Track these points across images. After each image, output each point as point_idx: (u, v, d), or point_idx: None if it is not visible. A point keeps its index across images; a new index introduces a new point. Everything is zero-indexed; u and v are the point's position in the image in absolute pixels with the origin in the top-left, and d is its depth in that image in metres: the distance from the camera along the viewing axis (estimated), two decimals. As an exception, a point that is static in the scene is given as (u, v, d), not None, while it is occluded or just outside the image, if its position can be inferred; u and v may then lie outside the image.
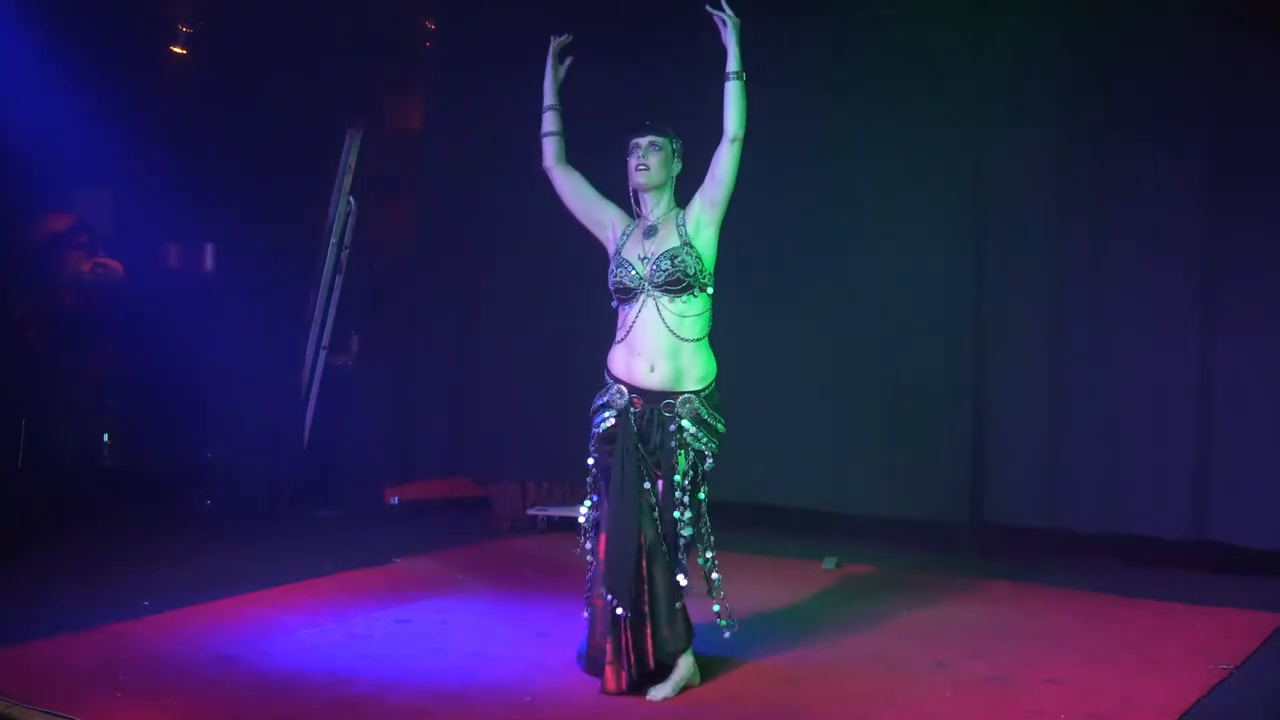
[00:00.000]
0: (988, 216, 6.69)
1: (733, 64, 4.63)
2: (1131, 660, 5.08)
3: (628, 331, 4.70)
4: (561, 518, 7.58)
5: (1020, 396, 6.62)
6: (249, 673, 4.86)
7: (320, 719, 4.44)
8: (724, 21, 4.65)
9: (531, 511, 7.67)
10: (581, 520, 4.86)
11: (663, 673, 4.68)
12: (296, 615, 5.64)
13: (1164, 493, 6.29)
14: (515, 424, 7.61)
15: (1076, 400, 6.50)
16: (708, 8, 4.66)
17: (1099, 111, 6.41)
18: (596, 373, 4.82)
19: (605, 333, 4.85)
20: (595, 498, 4.80)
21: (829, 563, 6.64)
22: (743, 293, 6.61)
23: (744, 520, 6.80)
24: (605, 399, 4.74)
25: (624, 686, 4.62)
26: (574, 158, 4.87)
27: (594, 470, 4.80)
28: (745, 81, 4.62)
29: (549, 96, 4.84)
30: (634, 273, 4.67)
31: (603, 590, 4.64)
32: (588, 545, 4.81)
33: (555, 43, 4.86)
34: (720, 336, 4.81)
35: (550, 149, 4.83)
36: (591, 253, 4.99)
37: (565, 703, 4.59)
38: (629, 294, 4.69)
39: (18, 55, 7.01)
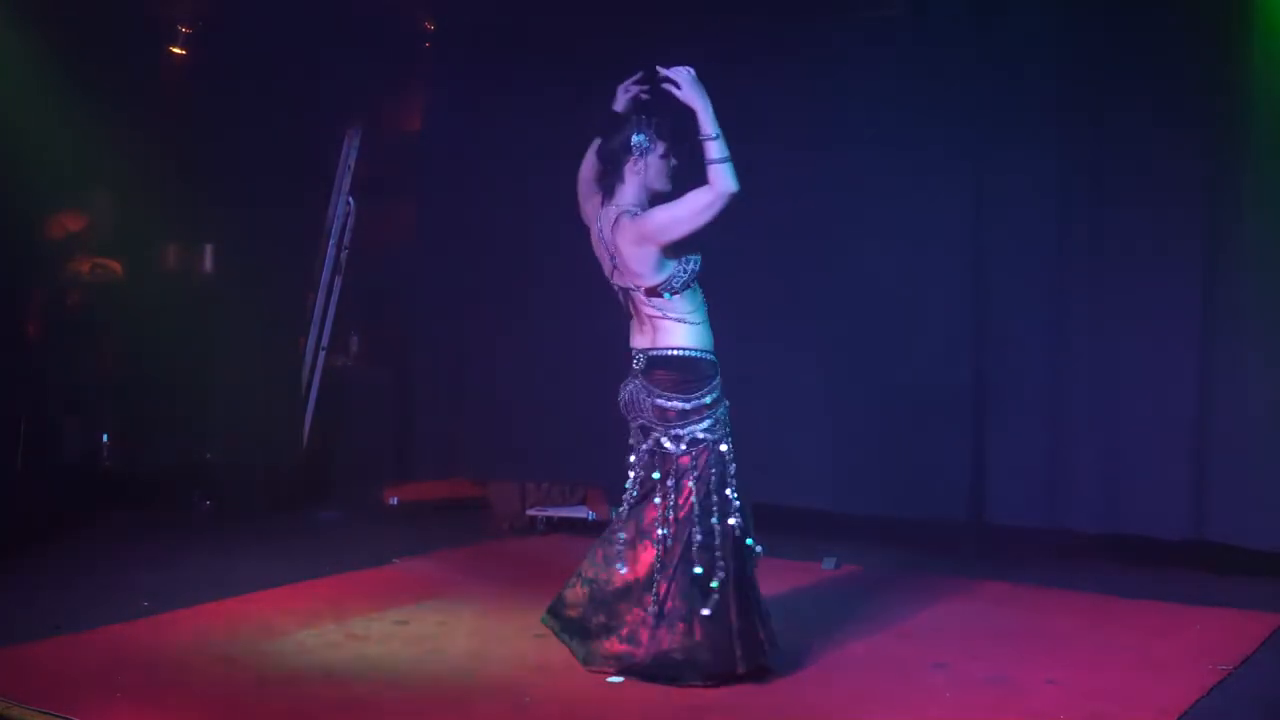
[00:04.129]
0: (988, 216, 6.69)
1: (709, 127, 4.30)
2: (1131, 660, 5.08)
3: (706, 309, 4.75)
4: (561, 518, 7.58)
5: (1020, 397, 6.62)
6: (249, 673, 4.86)
7: (320, 719, 4.44)
8: (677, 85, 4.34)
9: (531, 512, 7.65)
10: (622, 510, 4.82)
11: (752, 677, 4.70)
12: (296, 615, 5.64)
13: (1164, 493, 6.28)
14: (515, 424, 7.60)
15: (1076, 400, 6.49)
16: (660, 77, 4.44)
17: (1099, 110, 6.40)
18: (596, 372, 4.79)
19: (606, 331, 4.82)
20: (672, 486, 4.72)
21: (829, 563, 6.64)
22: (741, 292, 6.59)
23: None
24: (717, 378, 4.74)
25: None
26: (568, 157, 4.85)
27: (692, 453, 4.70)
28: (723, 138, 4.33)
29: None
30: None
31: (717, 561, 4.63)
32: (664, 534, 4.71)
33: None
34: (719, 336, 4.84)
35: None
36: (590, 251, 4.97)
37: (565, 703, 4.59)
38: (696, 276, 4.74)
39: (17, 55, 7.01)
